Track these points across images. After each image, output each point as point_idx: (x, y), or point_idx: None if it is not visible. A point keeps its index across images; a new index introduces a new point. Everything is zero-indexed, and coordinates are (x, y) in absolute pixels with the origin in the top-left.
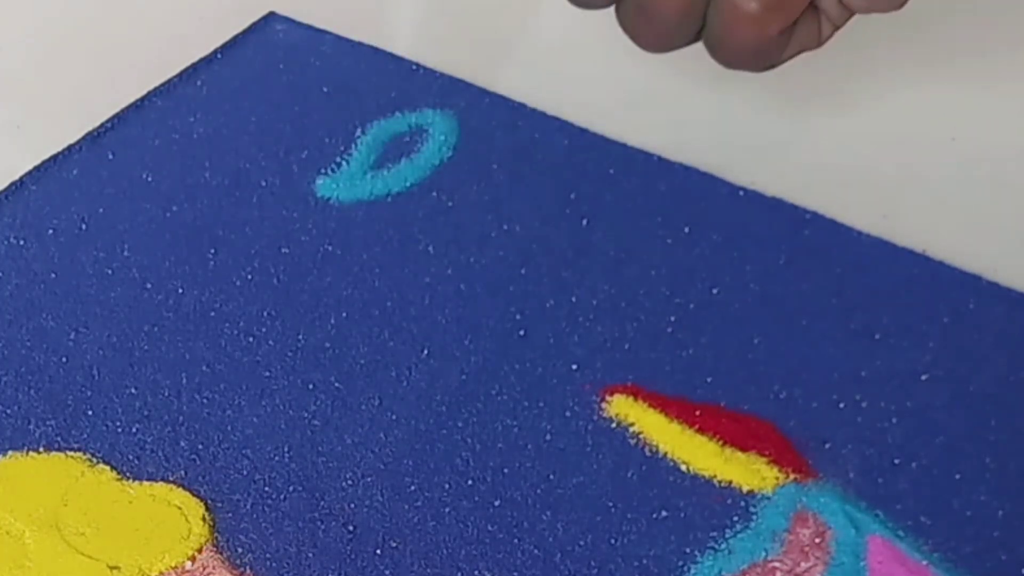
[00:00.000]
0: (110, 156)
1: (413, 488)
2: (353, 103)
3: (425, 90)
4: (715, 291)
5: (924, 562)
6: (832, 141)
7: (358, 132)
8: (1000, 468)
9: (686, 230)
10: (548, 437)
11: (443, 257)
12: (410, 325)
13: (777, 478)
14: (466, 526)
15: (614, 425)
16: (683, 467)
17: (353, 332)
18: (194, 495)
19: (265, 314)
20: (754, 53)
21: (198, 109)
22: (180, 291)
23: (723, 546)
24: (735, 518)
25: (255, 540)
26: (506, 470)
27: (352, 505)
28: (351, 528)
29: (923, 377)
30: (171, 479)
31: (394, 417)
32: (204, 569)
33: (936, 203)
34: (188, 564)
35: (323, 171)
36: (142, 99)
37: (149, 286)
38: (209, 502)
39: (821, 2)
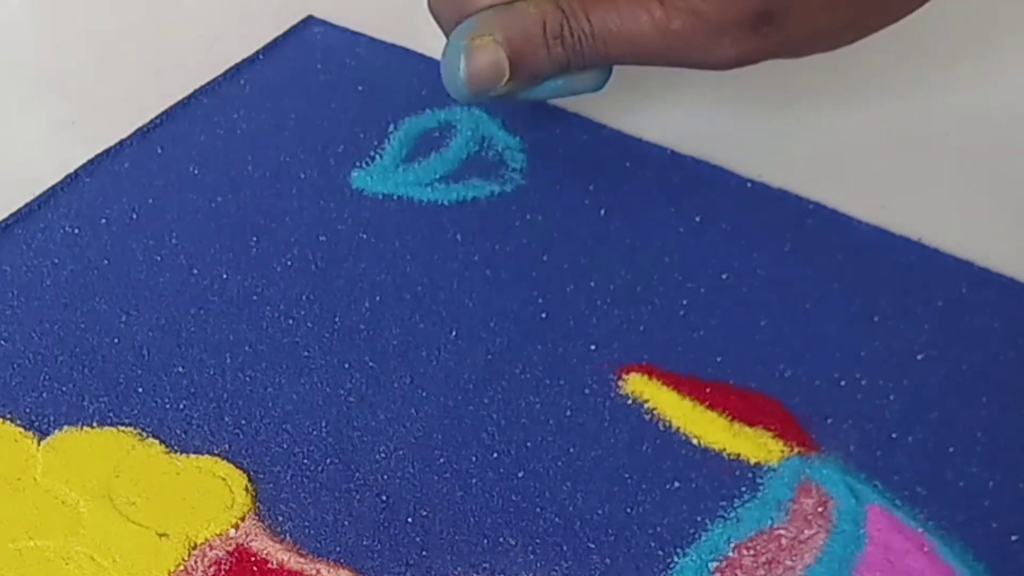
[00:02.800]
0: (159, 150)
1: (442, 461)
2: (386, 101)
3: None
4: (724, 276)
5: (920, 529)
6: (834, 136)
7: (391, 128)
8: (991, 442)
9: (697, 219)
10: (568, 413)
11: (470, 244)
12: (439, 308)
13: (782, 451)
14: (491, 496)
15: (630, 402)
16: (694, 441)
17: (386, 315)
18: (237, 467)
19: (304, 298)
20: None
21: (241, 107)
22: (224, 276)
23: (732, 515)
24: (743, 489)
25: (294, 509)
26: (529, 444)
27: (385, 476)
28: (384, 498)
29: (919, 357)
30: (216, 452)
31: (424, 394)
32: (247, 536)
33: (931, 194)
34: (232, 532)
35: (358, 164)
36: (189, 97)
37: (195, 272)
38: (251, 474)
39: None
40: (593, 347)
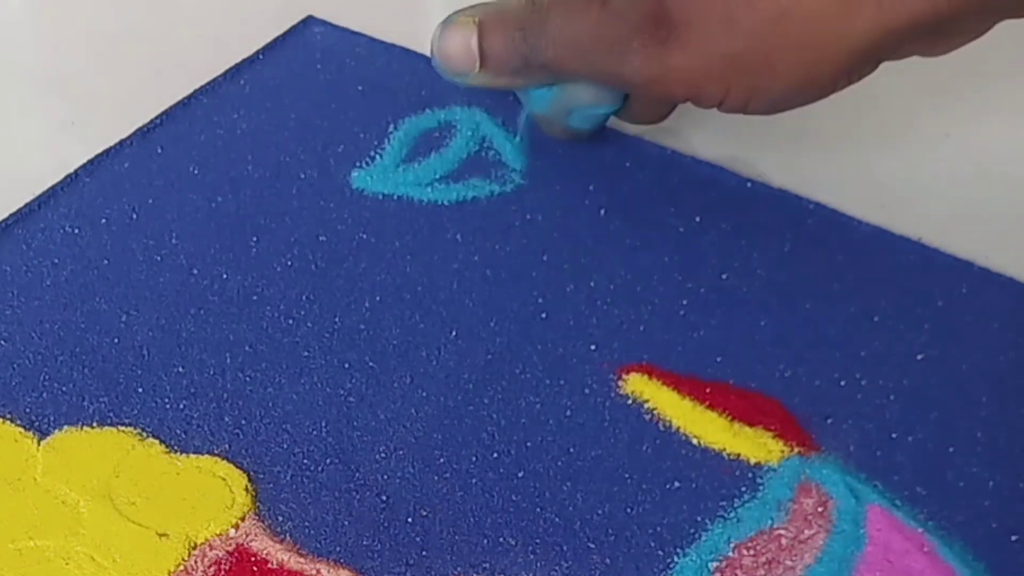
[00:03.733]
0: (159, 150)
1: (442, 460)
2: (386, 101)
3: (453, 89)
4: (724, 276)
5: (920, 530)
6: (834, 136)
7: (391, 128)
8: (991, 442)
9: (697, 219)
10: (568, 413)
11: (470, 244)
12: (439, 308)
13: (782, 451)
14: (491, 496)
15: (630, 402)
16: (694, 441)
17: (386, 315)
18: (237, 467)
19: (304, 298)
20: None
21: (241, 107)
22: (224, 276)
23: (732, 515)
24: (743, 489)
25: (294, 509)
26: (529, 444)
27: (385, 476)
28: (384, 498)
29: (919, 357)
30: (216, 452)
31: (424, 394)
32: (247, 536)
33: (931, 194)
34: (232, 532)
35: (358, 164)
36: (189, 97)
37: (195, 272)
38: (251, 473)
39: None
40: (593, 347)
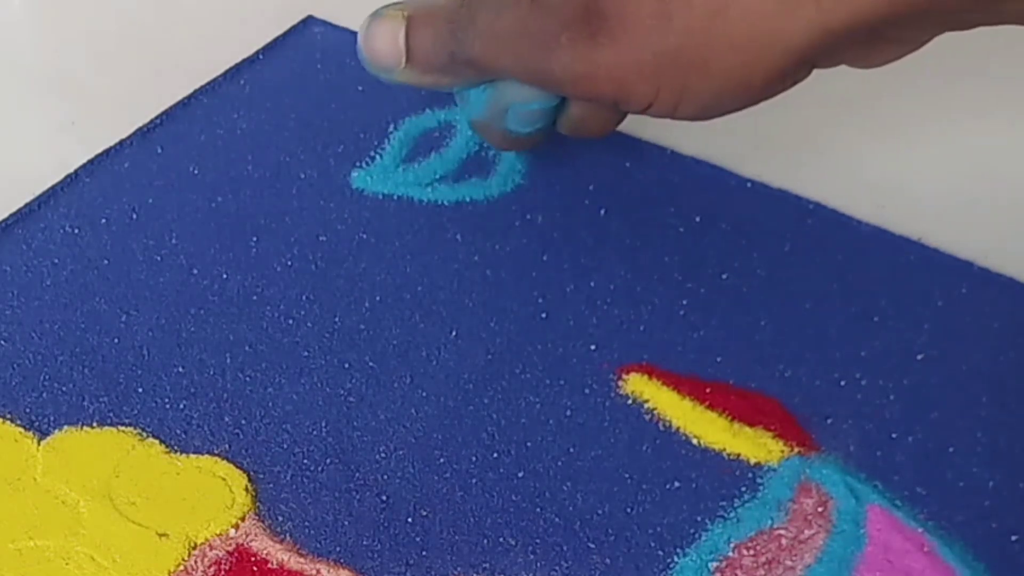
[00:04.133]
0: (159, 150)
1: (442, 460)
2: (386, 101)
3: None
4: (724, 276)
5: (920, 530)
6: (834, 137)
7: (391, 128)
8: (991, 442)
9: (697, 219)
10: (568, 413)
11: (470, 244)
12: (439, 308)
13: (782, 451)
14: (491, 496)
15: (630, 402)
16: (694, 441)
17: (386, 315)
18: (237, 467)
19: (304, 298)
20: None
21: (241, 107)
22: (224, 276)
23: (732, 515)
24: (743, 489)
25: (294, 509)
26: (529, 444)
27: (385, 476)
28: (384, 498)
29: (919, 357)
30: (216, 452)
31: (424, 394)
32: (247, 536)
33: (931, 194)
34: (232, 532)
35: (358, 164)
36: (189, 97)
37: (195, 272)
38: (251, 474)
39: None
40: (593, 347)
